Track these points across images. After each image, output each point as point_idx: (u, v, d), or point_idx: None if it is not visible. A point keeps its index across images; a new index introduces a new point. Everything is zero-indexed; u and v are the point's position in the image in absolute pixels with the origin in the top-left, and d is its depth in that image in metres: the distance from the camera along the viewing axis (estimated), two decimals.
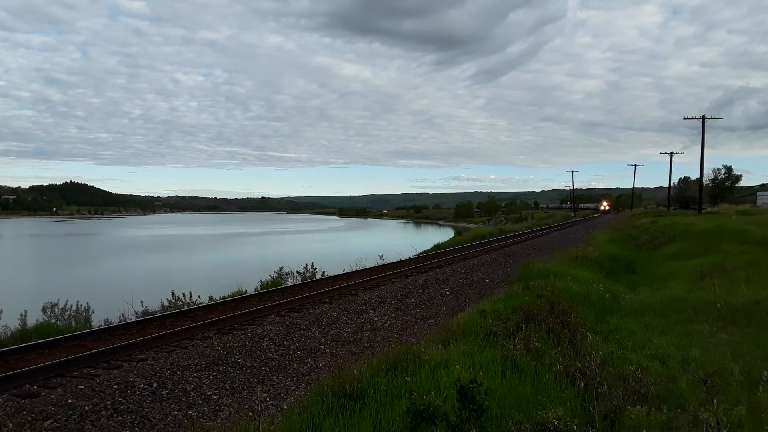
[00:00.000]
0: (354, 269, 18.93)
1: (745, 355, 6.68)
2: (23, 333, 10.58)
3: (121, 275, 35.72)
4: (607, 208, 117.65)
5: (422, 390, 4.86)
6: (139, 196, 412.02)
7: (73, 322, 12.36)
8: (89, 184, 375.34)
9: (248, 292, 14.90)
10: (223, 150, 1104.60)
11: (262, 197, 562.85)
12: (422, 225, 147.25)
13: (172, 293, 14.21)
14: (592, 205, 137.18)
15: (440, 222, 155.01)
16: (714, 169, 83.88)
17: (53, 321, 12.11)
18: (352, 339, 10.19)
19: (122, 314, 12.31)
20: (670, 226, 32.83)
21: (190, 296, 14.24)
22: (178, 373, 7.66)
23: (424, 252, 28.17)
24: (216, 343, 9.00)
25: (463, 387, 4.47)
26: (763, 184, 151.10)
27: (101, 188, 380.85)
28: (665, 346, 7.52)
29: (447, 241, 39.00)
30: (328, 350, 9.49)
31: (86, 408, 6.31)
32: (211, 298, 14.56)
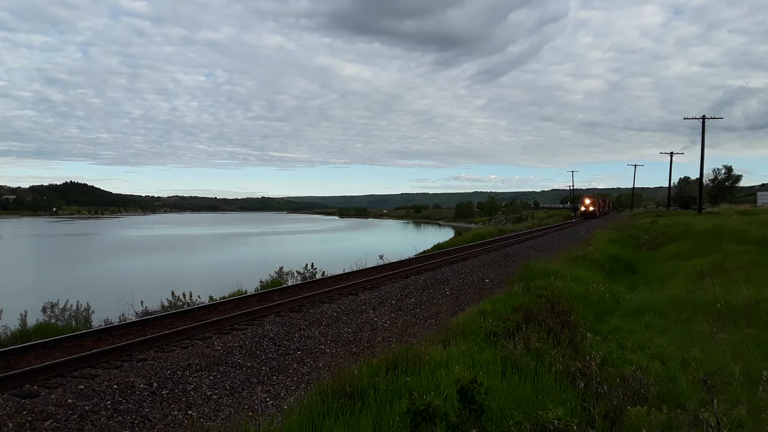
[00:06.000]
0: (354, 269, 18.92)
1: (745, 355, 6.69)
2: (23, 333, 10.58)
3: (121, 275, 35.70)
4: (591, 209, 73.38)
5: (422, 390, 4.86)
6: (140, 196, 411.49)
7: (73, 322, 12.35)
8: (89, 184, 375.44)
9: (248, 292, 14.89)
10: (223, 150, 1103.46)
11: (263, 197, 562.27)
12: (422, 225, 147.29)
13: (172, 293, 14.20)
14: None
15: (440, 222, 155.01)
16: (714, 169, 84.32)
17: (53, 321, 12.10)
18: (352, 339, 10.19)
19: (122, 314, 12.29)
20: (670, 226, 32.90)
21: (190, 296, 14.23)
22: (178, 373, 7.66)
23: (424, 252, 28.15)
24: (216, 343, 9.00)
25: (463, 387, 4.47)
26: (763, 184, 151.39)
27: (101, 188, 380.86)
28: (665, 346, 7.53)
29: (447, 241, 38.98)
30: (328, 350, 9.49)
31: (86, 408, 6.31)
32: (211, 298, 14.55)
